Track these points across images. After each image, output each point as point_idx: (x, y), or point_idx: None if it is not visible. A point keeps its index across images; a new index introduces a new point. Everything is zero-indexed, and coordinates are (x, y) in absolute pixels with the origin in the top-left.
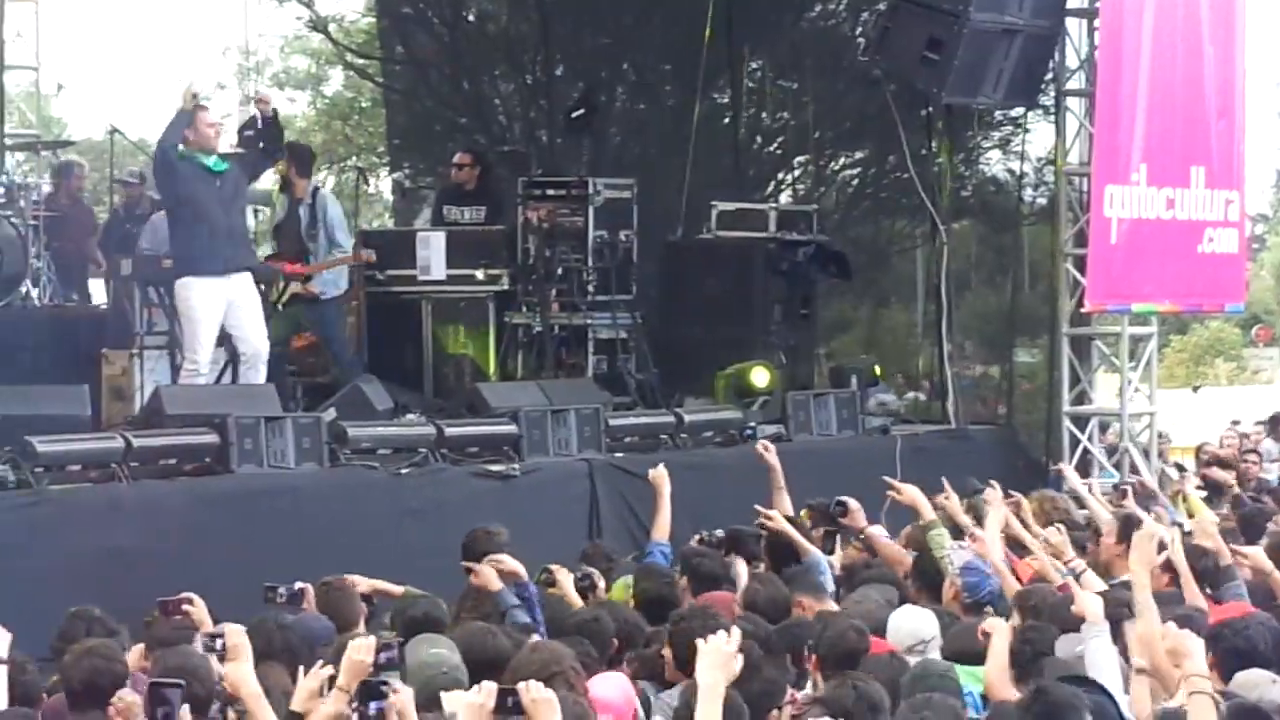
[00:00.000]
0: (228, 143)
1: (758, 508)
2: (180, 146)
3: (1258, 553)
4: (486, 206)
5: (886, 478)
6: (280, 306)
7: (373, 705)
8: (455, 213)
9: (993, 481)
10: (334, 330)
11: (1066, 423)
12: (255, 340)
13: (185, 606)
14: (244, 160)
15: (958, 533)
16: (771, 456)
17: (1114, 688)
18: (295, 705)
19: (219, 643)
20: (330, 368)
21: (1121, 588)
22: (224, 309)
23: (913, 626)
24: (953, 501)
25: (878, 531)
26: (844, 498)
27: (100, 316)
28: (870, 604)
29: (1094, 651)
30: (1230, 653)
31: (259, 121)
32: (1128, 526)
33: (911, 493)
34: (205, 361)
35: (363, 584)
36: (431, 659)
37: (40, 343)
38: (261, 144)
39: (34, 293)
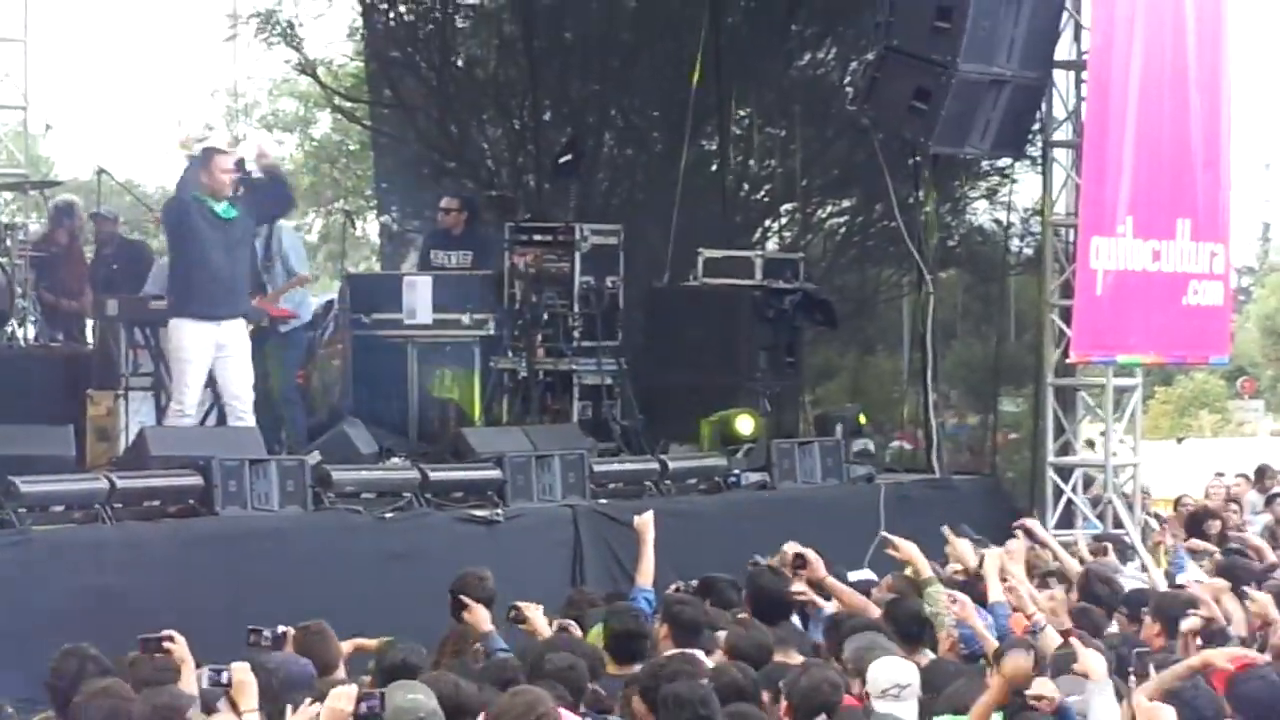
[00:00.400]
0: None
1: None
2: (194, 190)
3: (1265, 599)
4: (474, 251)
5: (884, 534)
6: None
7: None
8: (442, 257)
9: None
10: (286, 360)
11: (1050, 473)
12: (241, 389)
13: (166, 644)
14: (250, 208)
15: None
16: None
17: None
18: None
19: (224, 676)
20: (317, 410)
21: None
22: (213, 354)
23: (891, 673)
24: (958, 546)
25: (835, 583)
26: (800, 550)
27: (86, 357)
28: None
29: (1098, 710)
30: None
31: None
32: (1086, 582)
33: (908, 549)
34: (192, 404)
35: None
36: (409, 704)
37: (25, 383)
38: (270, 200)
39: (19, 333)
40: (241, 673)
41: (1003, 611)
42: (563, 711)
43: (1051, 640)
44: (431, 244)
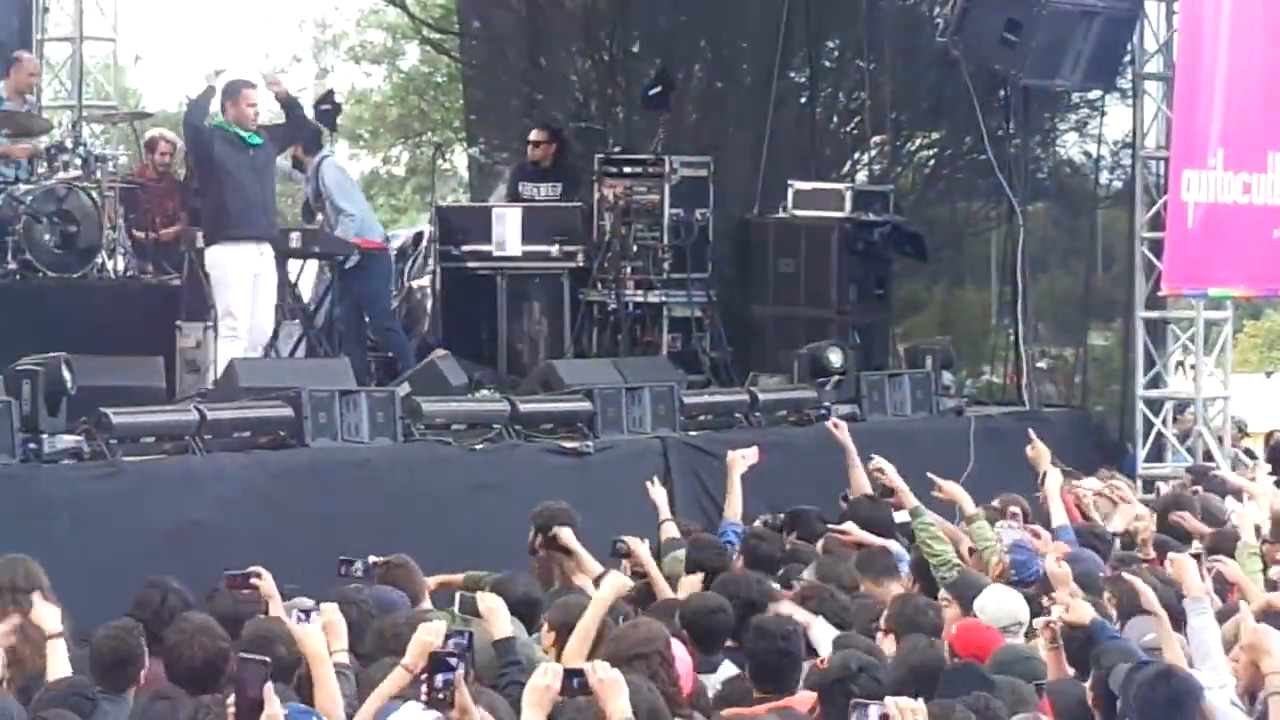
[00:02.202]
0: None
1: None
2: (218, 118)
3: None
4: (562, 183)
5: (930, 474)
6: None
7: (439, 677)
8: (531, 189)
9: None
10: (378, 291)
11: (1140, 406)
12: (264, 318)
13: (254, 580)
14: (274, 134)
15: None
16: (843, 434)
17: (1221, 666)
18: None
19: (313, 617)
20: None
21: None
22: (251, 274)
23: (1008, 607)
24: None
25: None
26: (882, 465)
27: (175, 289)
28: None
29: (1199, 630)
30: None
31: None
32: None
33: (951, 489)
34: (244, 327)
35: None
36: (522, 643)
37: (116, 315)
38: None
39: (110, 265)
40: (331, 612)
41: (1068, 535)
42: (675, 642)
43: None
44: (520, 176)
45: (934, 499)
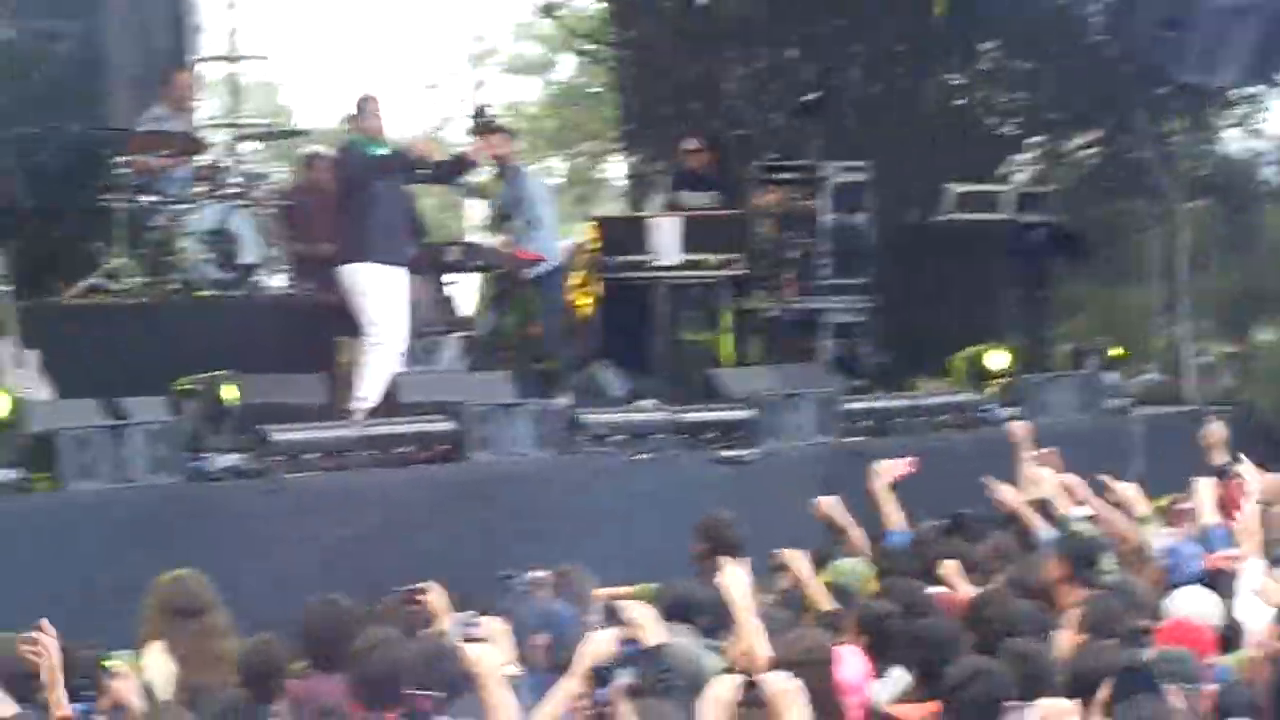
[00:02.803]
0: (463, 129)
1: (987, 481)
2: (351, 135)
3: None
4: (720, 191)
5: (1103, 477)
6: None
7: (597, 693)
8: (688, 198)
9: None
10: (546, 303)
11: None
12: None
13: (421, 597)
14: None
15: None
16: (1020, 436)
17: None
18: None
19: (477, 630)
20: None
21: None
22: (389, 287)
23: (1201, 610)
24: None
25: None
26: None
27: (335, 305)
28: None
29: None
30: None
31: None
32: None
33: (1123, 490)
34: (390, 330)
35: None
36: (678, 649)
37: (276, 332)
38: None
39: (270, 282)
40: (493, 624)
41: (1218, 535)
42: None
43: None
44: (678, 185)
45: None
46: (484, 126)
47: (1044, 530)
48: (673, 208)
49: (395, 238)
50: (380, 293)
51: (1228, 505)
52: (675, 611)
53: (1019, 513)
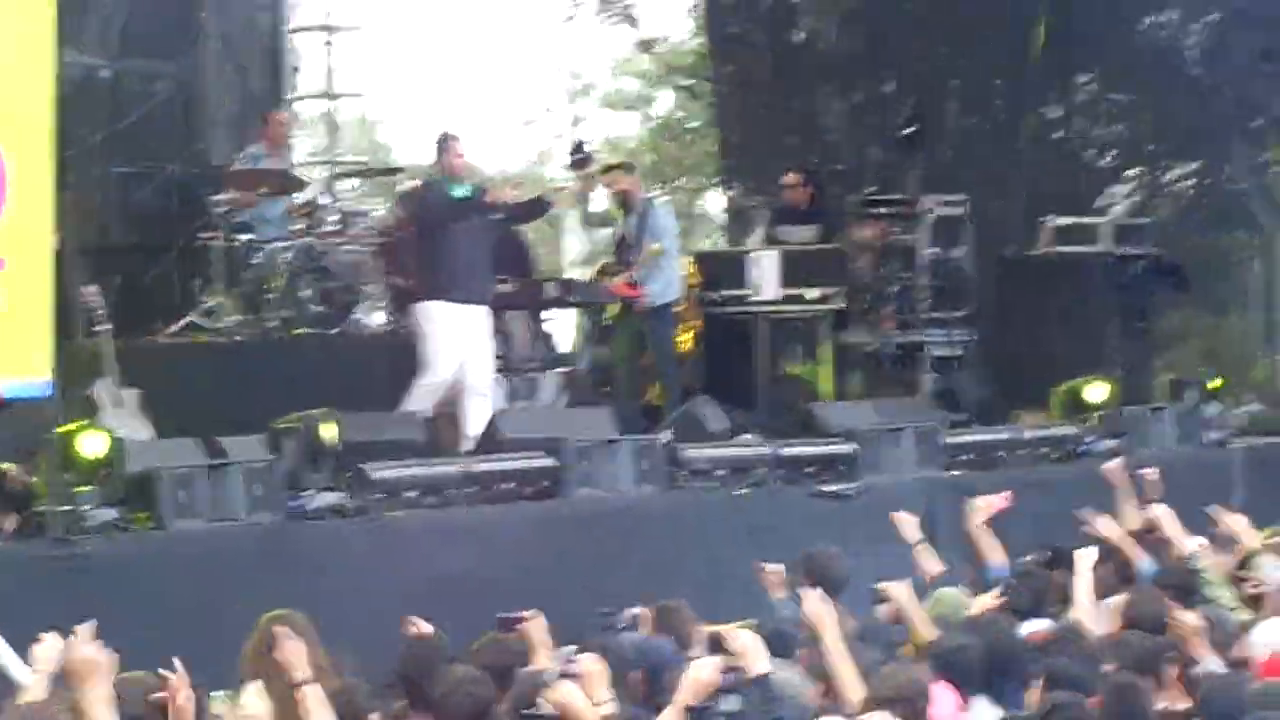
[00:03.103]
0: (557, 165)
1: (1084, 514)
2: (432, 174)
3: None
4: (819, 225)
5: (1212, 508)
6: (611, 322)
7: None
8: (787, 232)
9: None
10: (659, 340)
11: None
12: (480, 378)
13: (522, 626)
14: (521, 210)
15: None
16: (1119, 475)
17: None
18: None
19: (574, 667)
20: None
21: None
22: (460, 335)
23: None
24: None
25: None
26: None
27: None
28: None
29: None
30: None
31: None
32: None
33: (1231, 521)
34: (442, 379)
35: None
36: (782, 680)
37: (375, 368)
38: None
39: (368, 319)
40: (591, 662)
41: None
42: (940, 686)
43: None
44: (777, 220)
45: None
46: (609, 164)
47: (1145, 562)
48: (772, 243)
49: (472, 278)
50: (442, 331)
51: None
52: (777, 646)
53: (1118, 545)
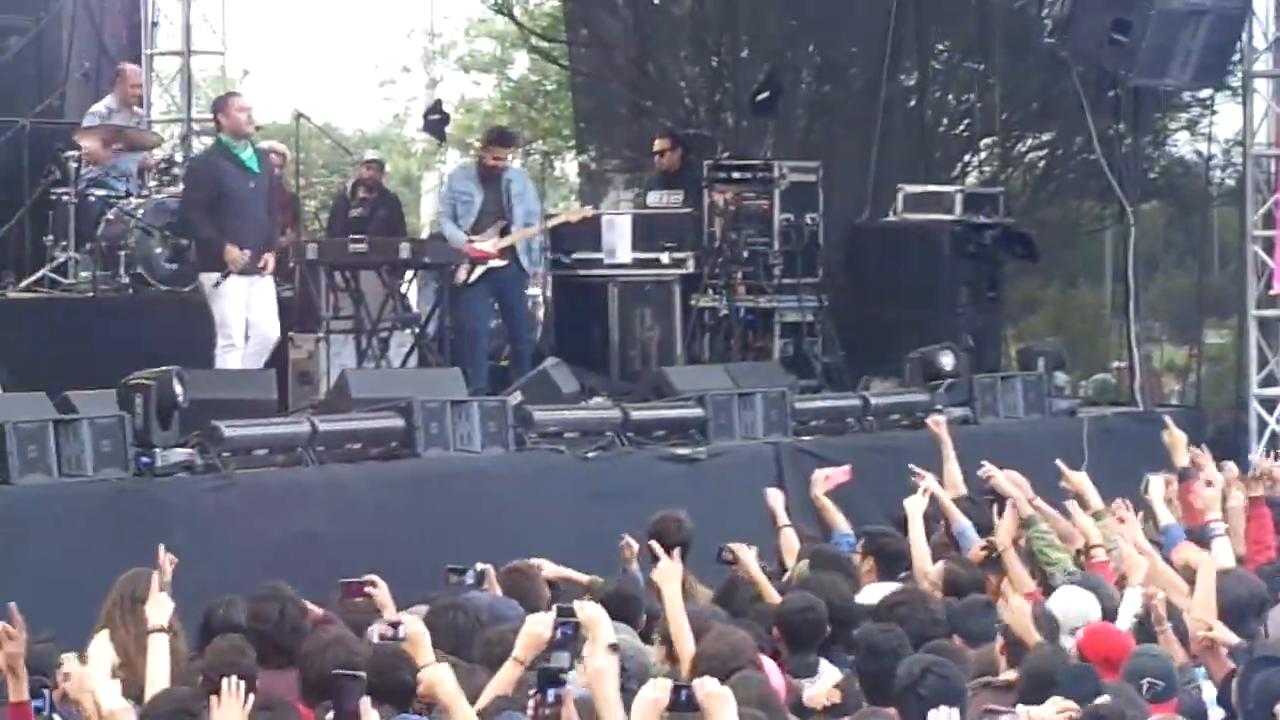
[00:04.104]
0: (414, 126)
1: (913, 467)
2: (221, 135)
3: None
4: (685, 190)
5: (1058, 462)
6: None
7: (550, 692)
8: (656, 198)
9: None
10: (515, 304)
11: (1255, 405)
12: (268, 327)
13: (368, 589)
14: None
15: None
16: (941, 430)
17: None
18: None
19: (400, 631)
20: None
21: None
22: (244, 301)
23: (1079, 608)
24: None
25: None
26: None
27: (287, 300)
28: None
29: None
30: None
31: None
32: None
33: (1077, 479)
34: (239, 333)
35: (549, 570)
36: (626, 645)
37: None
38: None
39: None
40: (415, 625)
41: (1175, 534)
42: (762, 658)
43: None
44: (650, 186)
45: (1060, 490)
46: (492, 137)
47: (965, 525)
48: (640, 208)
49: (248, 248)
50: (227, 303)
51: (1186, 507)
52: (618, 609)
53: (943, 507)
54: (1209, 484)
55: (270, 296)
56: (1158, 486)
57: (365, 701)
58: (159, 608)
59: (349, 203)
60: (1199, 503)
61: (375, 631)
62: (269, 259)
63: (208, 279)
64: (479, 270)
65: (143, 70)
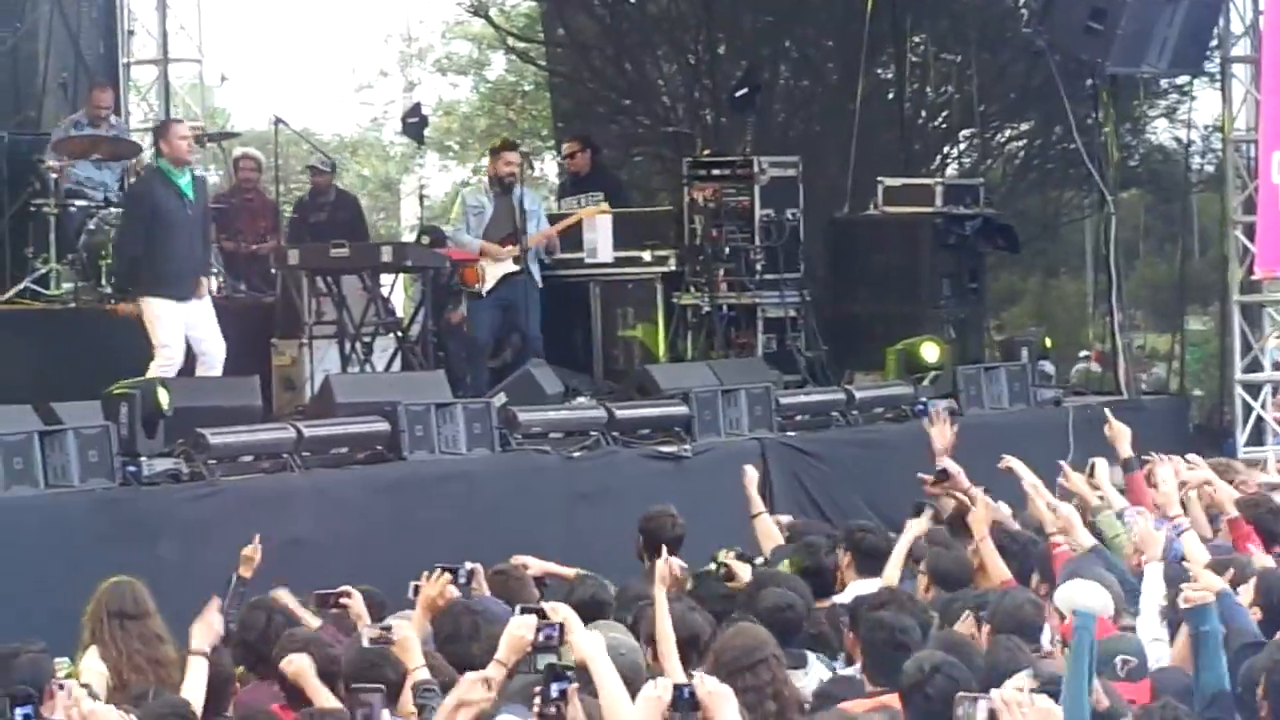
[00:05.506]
0: (393, 129)
1: (1006, 459)
2: (158, 160)
3: None
4: (603, 191)
5: (1062, 463)
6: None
7: (555, 687)
8: (572, 203)
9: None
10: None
11: (1239, 391)
12: (213, 344)
13: (343, 600)
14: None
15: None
16: (942, 424)
17: None
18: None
19: (392, 634)
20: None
21: None
22: (181, 326)
23: (1082, 600)
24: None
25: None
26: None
27: (269, 307)
28: None
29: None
30: None
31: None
32: None
33: (1077, 482)
34: (179, 352)
35: (535, 566)
36: (610, 643)
37: None
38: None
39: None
40: (404, 629)
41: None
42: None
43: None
44: (562, 193)
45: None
46: (499, 145)
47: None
48: (558, 218)
49: (184, 275)
50: (163, 327)
51: (1133, 497)
52: (592, 610)
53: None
54: (1163, 481)
55: (210, 315)
56: (1103, 470)
57: (385, 714)
58: (206, 632)
59: (308, 209)
60: (1158, 499)
61: (366, 634)
62: (203, 283)
63: (144, 302)
64: (492, 279)
65: (120, 79)
